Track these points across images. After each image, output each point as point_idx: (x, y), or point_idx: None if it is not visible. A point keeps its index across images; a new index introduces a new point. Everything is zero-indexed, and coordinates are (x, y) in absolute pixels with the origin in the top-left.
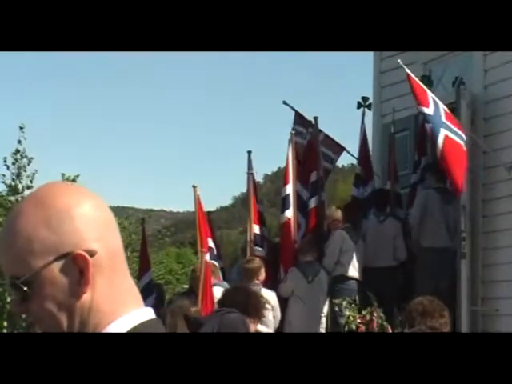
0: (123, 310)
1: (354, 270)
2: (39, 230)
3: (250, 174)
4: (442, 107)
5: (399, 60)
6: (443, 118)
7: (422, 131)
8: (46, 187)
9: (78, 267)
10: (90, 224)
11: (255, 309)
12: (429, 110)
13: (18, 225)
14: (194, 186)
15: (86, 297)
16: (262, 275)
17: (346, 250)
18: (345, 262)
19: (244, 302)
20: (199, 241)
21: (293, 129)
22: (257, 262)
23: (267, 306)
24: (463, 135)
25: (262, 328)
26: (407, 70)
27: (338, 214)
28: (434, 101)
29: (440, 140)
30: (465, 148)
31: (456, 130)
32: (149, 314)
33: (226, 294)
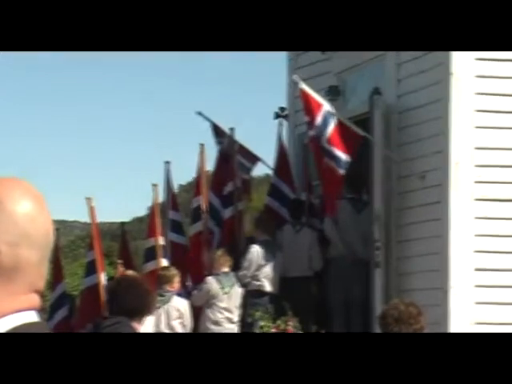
0: (4, 314)
1: (269, 285)
2: None
3: (155, 186)
4: (333, 125)
5: (295, 76)
6: (325, 142)
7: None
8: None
9: None
10: (14, 227)
11: (147, 308)
12: (313, 131)
13: None
14: (87, 198)
15: None
16: (176, 284)
17: (263, 264)
18: (261, 277)
19: (138, 302)
20: (97, 252)
21: (217, 142)
22: (172, 270)
23: (175, 312)
24: (344, 158)
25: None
26: (302, 86)
27: (257, 225)
28: (325, 119)
29: (319, 167)
30: (341, 172)
31: (337, 153)
32: (31, 317)
33: (109, 291)
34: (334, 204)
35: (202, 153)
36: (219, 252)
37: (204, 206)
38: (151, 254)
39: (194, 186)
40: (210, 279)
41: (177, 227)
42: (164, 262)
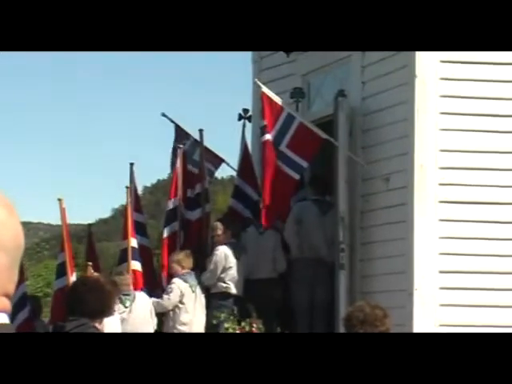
0: None
1: (234, 288)
2: None
3: (128, 188)
4: (294, 129)
5: (256, 79)
6: (283, 146)
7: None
8: None
9: None
10: None
11: (109, 309)
12: (271, 135)
13: None
14: (59, 199)
15: None
16: (131, 285)
17: (229, 267)
18: (227, 279)
19: (100, 304)
20: (67, 253)
21: (174, 147)
22: (126, 273)
23: (145, 309)
24: (303, 163)
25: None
26: (263, 89)
27: (220, 227)
28: (285, 123)
29: (270, 171)
30: (296, 178)
31: (294, 158)
32: (2, 319)
33: (79, 291)
34: (283, 208)
35: (180, 155)
36: (180, 255)
37: (181, 208)
38: (125, 256)
39: (170, 187)
40: (177, 280)
41: (141, 229)
42: (135, 264)
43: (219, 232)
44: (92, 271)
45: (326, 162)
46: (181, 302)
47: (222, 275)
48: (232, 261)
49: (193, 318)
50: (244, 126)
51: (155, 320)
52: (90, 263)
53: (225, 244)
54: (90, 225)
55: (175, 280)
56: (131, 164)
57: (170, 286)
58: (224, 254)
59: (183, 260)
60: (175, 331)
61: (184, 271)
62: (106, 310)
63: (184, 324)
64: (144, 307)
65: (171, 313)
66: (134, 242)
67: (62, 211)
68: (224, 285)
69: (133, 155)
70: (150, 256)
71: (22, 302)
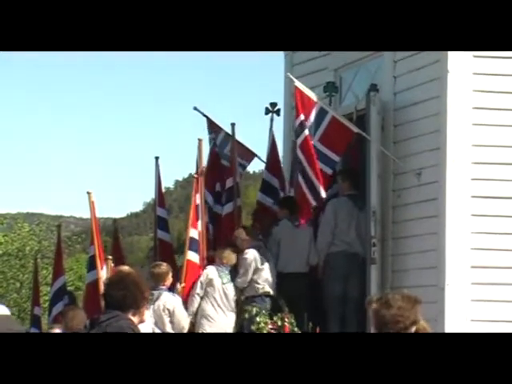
0: None
1: (268, 287)
2: None
3: (195, 178)
4: (326, 123)
5: (289, 73)
6: (316, 140)
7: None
8: None
9: None
10: None
11: (135, 300)
12: (307, 129)
13: None
14: (88, 193)
15: None
16: (169, 280)
17: (260, 268)
18: (260, 280)
19: (122, 296)
20: (97, 247)
21: (211, 138)
22: (164, 266)
23: (162, 312)
24: (336, 158)
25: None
26: (297, 83)
27: (243, 234)
28: (317, 117)
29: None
30: (329, 172)
31: (327, 152)
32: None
33: (105, 286)
34: (317, 203)
35: (199, 148)
36: (226, 252)
37: (202, 202)
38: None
39: (194, 182)
40: (210, 267)
41: (162, 224)
42: (190, 255)
43: (239, 241)
44: (112, 265)
45: (351, 156)
46: (208, 289)
47: (255, 277)
48: (262, 262)
49: (219, 313)
50: (272, 119)
51: (179, 325)
52: (110, 257)
53: (251, 247)
54: (115, 219)
55: (207, 267)
56: (156, 158)
57: (199, 278)
58: (253, 256)
59: (225, 257)
60: (203, 321)
61: (221, 264)
62: (133, 302)
63: (211, 318)
64: (160, 310)
65: (201, 302)
66: (193, 233)
67: (92, 204)
68: (260, 286)
69: (164, 149)
70: (170, 251)
71: (60, 293)
